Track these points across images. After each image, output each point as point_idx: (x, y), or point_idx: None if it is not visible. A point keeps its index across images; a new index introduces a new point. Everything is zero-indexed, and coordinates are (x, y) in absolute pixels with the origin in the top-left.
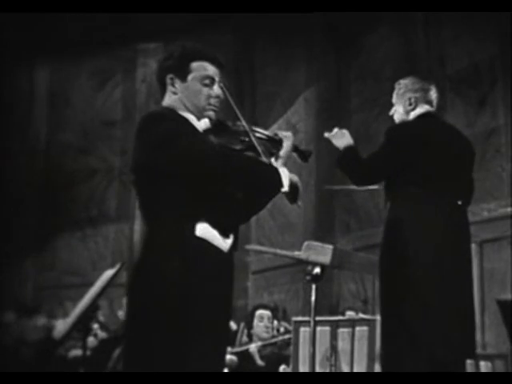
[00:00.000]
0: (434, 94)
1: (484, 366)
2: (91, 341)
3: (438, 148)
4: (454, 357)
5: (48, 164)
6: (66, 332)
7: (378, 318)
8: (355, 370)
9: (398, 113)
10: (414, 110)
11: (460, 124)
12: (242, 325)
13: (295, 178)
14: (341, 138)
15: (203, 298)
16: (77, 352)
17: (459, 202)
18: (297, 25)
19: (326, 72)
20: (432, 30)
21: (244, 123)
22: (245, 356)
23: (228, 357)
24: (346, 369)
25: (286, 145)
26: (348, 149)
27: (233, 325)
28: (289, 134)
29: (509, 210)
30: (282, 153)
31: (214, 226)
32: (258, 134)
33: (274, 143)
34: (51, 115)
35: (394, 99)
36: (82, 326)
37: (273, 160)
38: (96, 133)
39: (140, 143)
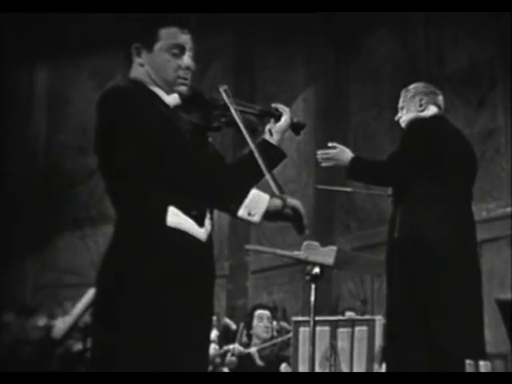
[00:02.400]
0: (441, 100)
1: (483, 366)
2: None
3: (451, 148)
4: (468, 356)
5: (48, 164)
6: (65, 332)
7: (378, 317)
8: (355, 370)
9: (407, 116)
10: (423, 111)
11: (459, 124)
12: (242, 325)
13: (293, 202)
14: (342, 154)
15: (180, 292)
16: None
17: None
18: (297, 25)
19: (326, 72)
20: (431, 31)
21: (225, 97)
22: (244, 356)
23: (228, 357)
24: (345, 369)
25: (284, 119)
26: (355, 159)
27: (232, 325)
28: (286, 108)
29: (508, 209)
30: (277, 127)
31: (187, 213)
32: (241, 108)
33: (266, 118)
34: (51, 115)
35: (401, 104)
36: (82, 325)
37: (267, 136)
38: None
39: (101, 122)
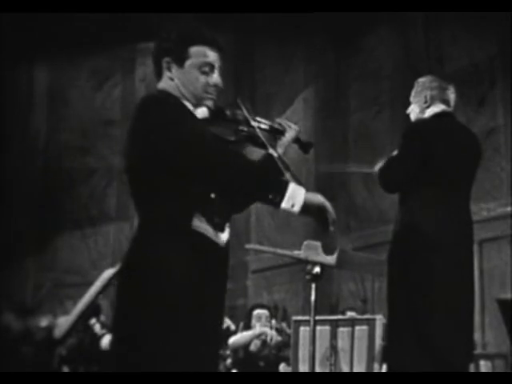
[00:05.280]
0: (451, 94)
1: (484, 366)
2: None
3: (452, 148)
4: (459, 357)
5: (48, 164)
6: (66, 331)
7: (378, 317)
8: (355, 370)
9: (414, 111)
10: (428, 107)
11: None
12: (241, 325)
13: (319, 199)
14: None
15: (201, 294)
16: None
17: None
18: (296, 25)
19: (325, 72)
20: (432, 30)
21: (245, 112)
22: (245, 357)
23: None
24: (345, 368)
25: (289, 135)
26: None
27: (231, 325)
28: (295, 126)
29: (508, 209)
30: (281, 141)
31: (209, 220)
32: (258, 124)
33: (276, 134)
34: (51, 115)
35: (412, 98)
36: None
37: (271, 150)
38: (95, 132)
39: (138, 126)
